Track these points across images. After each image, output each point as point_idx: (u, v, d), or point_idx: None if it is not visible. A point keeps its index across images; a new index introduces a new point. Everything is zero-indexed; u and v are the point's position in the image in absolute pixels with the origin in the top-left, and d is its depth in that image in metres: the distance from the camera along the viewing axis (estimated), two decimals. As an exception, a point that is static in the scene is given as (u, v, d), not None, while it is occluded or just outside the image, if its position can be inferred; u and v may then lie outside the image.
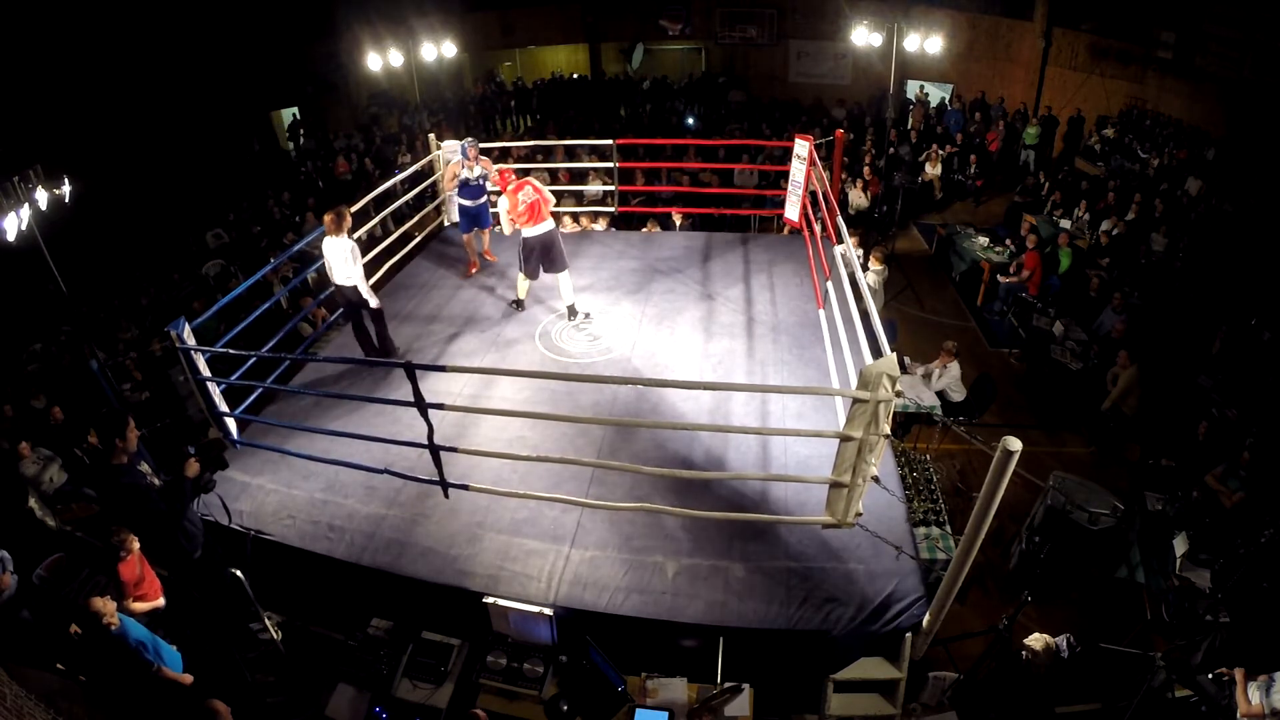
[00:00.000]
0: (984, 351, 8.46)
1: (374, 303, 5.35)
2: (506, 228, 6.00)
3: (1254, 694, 3.60)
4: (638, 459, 4.45)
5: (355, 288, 5.27)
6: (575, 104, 16.49)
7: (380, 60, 10.59)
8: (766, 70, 16.87)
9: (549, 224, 5.86)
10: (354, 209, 6.32)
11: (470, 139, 6.79)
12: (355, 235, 5.43)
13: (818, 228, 6.30)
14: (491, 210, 6.88)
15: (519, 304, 6.36)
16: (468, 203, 6.73)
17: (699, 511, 3.78)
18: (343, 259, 5.18)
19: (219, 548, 4.11)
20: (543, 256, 5.95)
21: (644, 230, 8.67)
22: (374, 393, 5.22)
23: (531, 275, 6.06)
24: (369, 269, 6.72)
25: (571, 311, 6.11)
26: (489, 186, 6.77)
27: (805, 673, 3.72)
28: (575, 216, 8.83)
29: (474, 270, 7.05)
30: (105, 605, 3.28)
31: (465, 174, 6.64)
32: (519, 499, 4.08)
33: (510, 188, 5.78)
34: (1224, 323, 7.17)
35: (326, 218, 5.15)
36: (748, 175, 11.02)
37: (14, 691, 2.87)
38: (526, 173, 10.57)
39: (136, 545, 3.76)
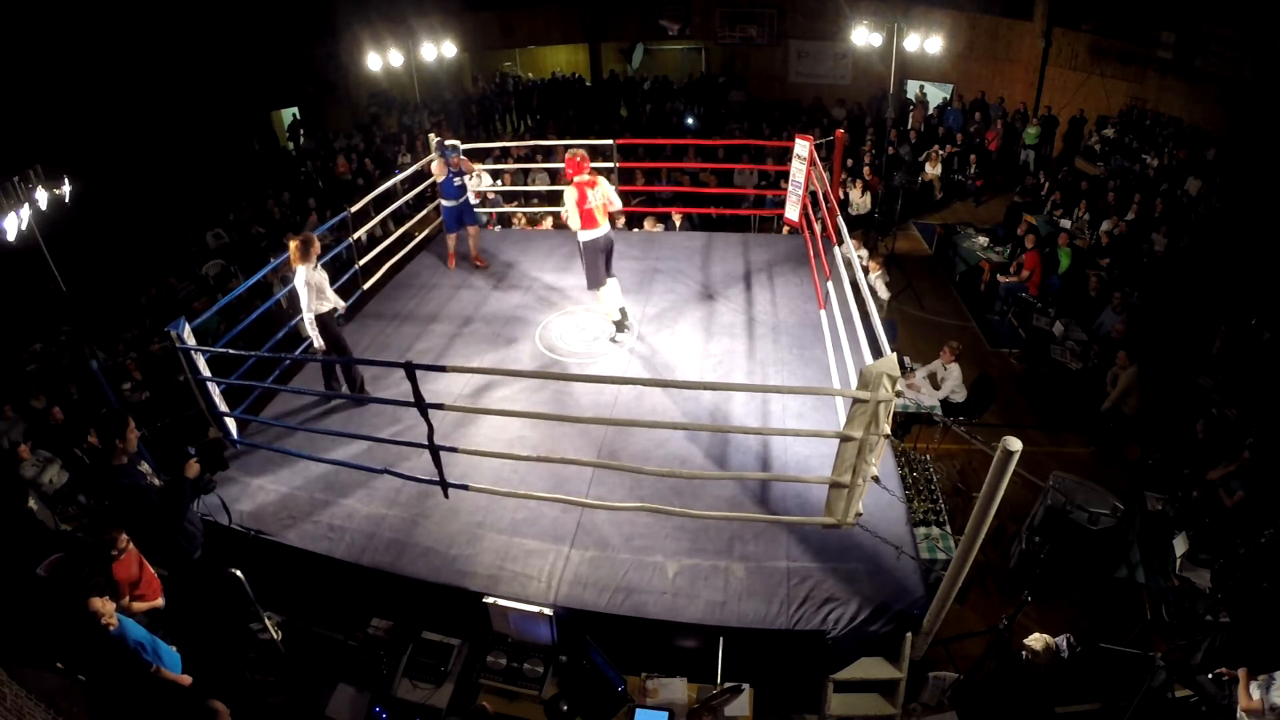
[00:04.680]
0: (984, 351, 8.46)
1: (318, 343, 4.95)
2: (575, 223, 5.45)
3: (1255, 691, 3.61)
4: (638, 459, 4.45)
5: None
6: (575, 104, 16.48)
7: (380, 60, 10.57)
8: (766, 70, 16.86)
9: (608, 225, 5.56)
10: (354, 209, 6.36)
11: (453, 145, 6.74)
12: (323, 260, 4.99)
13: (818, 228, 6.30)
14: (477, 207, 6.97)
15: (621, 324, 5.76)
16: (449, 202, 6.84)
17: (699, 511, 3.78)
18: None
19: (219, 548, 4.11)
20: (608, 259, 5.61)
21: (644, 227, 8.66)
22: (374, 393, 5.23)
23: (604, 280, 5.63)
24: (370, 269, 6.78)
25: (624, 314, 5.82)
26: (469, 184, 6.94)
27: (805, 673, 3.72)
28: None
29: (451, 265, 7.17)
30: (104, 605, 3.27)
31: (446, 173, 6.69)
32: (519, 499, 4.08)
33: (580, 179, 5.34)
34: (1224, 323, 7.17)
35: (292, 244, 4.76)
36: (748, 175, 11.02)
37: (14, 691, 2.87)
38: (527, 174, 10.67)
39: (130, 544, 3.74)
